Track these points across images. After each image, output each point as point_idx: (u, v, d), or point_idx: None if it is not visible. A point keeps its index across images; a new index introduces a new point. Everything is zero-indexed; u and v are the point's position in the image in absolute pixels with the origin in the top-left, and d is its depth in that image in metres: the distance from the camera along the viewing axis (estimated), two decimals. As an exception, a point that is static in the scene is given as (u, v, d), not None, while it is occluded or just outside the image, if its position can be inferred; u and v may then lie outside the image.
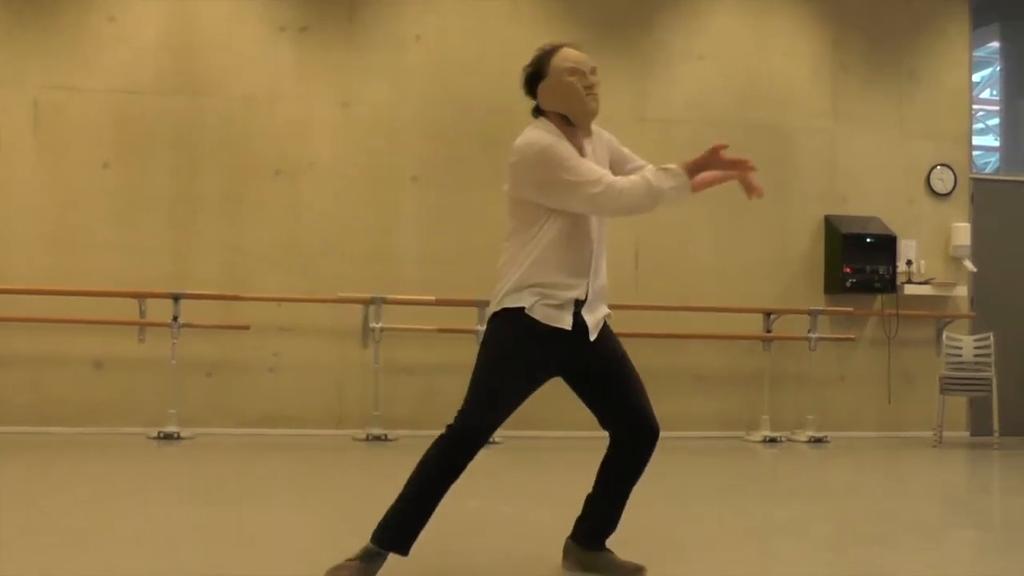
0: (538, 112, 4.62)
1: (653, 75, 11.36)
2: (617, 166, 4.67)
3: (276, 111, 10.69)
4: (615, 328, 4.75)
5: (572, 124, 4.54)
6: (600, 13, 11.14)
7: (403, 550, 4.41)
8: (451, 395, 9.79)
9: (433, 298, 10.34)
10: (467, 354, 10.24)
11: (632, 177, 4.44)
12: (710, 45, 11.63)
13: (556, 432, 10.21)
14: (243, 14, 10.70)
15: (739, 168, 4.46)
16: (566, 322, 4.46)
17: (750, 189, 4.54)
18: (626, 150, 4.78)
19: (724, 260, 11.43)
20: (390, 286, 10.45)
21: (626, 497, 4.72)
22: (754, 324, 11.29)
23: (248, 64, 10.68)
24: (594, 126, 4.66)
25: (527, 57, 4.63)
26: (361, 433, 10.19)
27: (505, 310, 4.49)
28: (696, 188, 4.49)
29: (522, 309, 4.44)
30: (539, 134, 4.48)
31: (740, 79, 11.56)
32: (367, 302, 10.33)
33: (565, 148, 4.44)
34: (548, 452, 9.70)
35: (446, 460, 4.39)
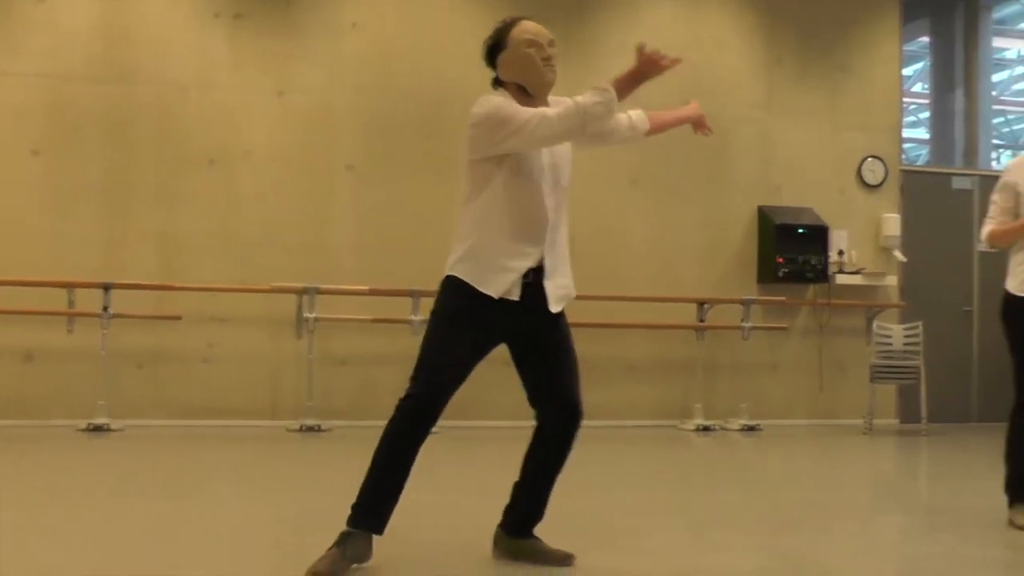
0: (497, 83, 4.69)
1: (590, 65, 11.34)
2: None
3: (210, 99, 10.60)
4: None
5: (530, 95, 4.61)
6: (538, 4, 11.07)
7: (376, 528, 4.46)
8: (387, 385, 9.84)
9: (368, 288, 10.31)
10: (403, 344, 10.26)
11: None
12: (647, 36, 11.58)
13: (489, 422, 10.22)
14: (176, 0, 10.60)
15: (656, 63, 4.84)
16: (514, 293, 4.50)
17: (700, 126, 4.95)
18: None
19: (658, 249, 11.50)
20: (325, 276, 10.41)
21: (551, 484, 4.76)
22: (688, 313, 11.37)
23: (181, 51, 10.57)
24: (553, 96, 4.71)
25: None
26: (295, 424, 10.14)
27: (455, 277, 4.53)
28: (655, 130, 4.80)
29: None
30: (490, 97, 4.57)
31: (676, 70, 11.50)
32: (301, 292, 10.27)
33: (512, 103, 4.51)
34: (480, 442, 9.70)
35: (403, 432, 4.42)
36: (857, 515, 6.56)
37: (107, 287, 9.83)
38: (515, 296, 4.50)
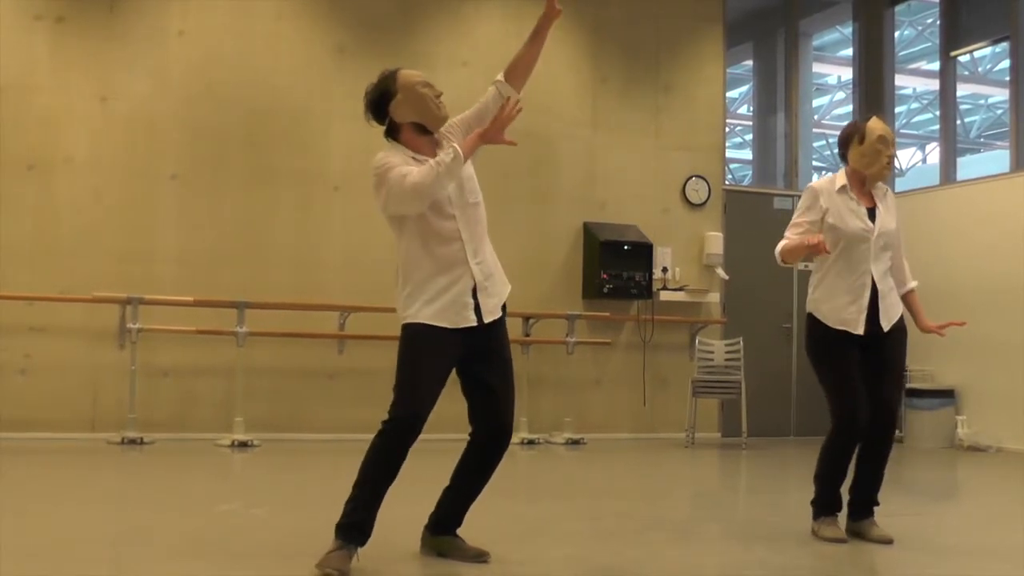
0: (390, 132, 4.97)
1: (419, 79, 11.36)
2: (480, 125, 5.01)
3: (30, 103, 10.33)
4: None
5: (427, 132, 4.95)
6: (365, 16, 11.10)
7: (364, 542, 4.75)
8: (210, 397, 9.71)
9: (191, 299, 10.16)
10: (227, 355, 10.15)
11: None
12: (476, 51, 11.74)
13: (315, 435, 10.14)
14: (-5, 2, 10.33)
15: (505, 116, 4.90)
16: (456, 321, 4.83)
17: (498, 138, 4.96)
18: (472, 110, 5.17)
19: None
20: (148, 286, 10.23)
21: (473, 493, 5.16)
22: (513, 328, 11.38)
23: (0, 53, 10.29)
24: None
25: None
26: (116, 436, 9.92)
27: (410, 323, 4.84)
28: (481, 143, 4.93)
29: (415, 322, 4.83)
30: (381, 155, 4.85)
31: (502, 86, 11.66)
32: (124, 302, 10.09)
33: (396, 159, 4.79)
34: (306, 455, 9.61)
35: (385, 452, 4.75)
36: (675, 526, 6.66)
37: (-83, 295, 9.53)
38: (455, 325, 4.83)
